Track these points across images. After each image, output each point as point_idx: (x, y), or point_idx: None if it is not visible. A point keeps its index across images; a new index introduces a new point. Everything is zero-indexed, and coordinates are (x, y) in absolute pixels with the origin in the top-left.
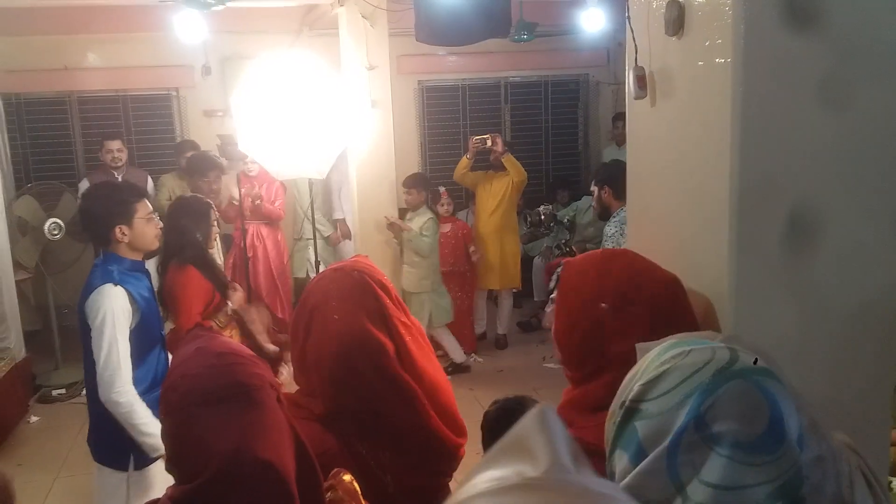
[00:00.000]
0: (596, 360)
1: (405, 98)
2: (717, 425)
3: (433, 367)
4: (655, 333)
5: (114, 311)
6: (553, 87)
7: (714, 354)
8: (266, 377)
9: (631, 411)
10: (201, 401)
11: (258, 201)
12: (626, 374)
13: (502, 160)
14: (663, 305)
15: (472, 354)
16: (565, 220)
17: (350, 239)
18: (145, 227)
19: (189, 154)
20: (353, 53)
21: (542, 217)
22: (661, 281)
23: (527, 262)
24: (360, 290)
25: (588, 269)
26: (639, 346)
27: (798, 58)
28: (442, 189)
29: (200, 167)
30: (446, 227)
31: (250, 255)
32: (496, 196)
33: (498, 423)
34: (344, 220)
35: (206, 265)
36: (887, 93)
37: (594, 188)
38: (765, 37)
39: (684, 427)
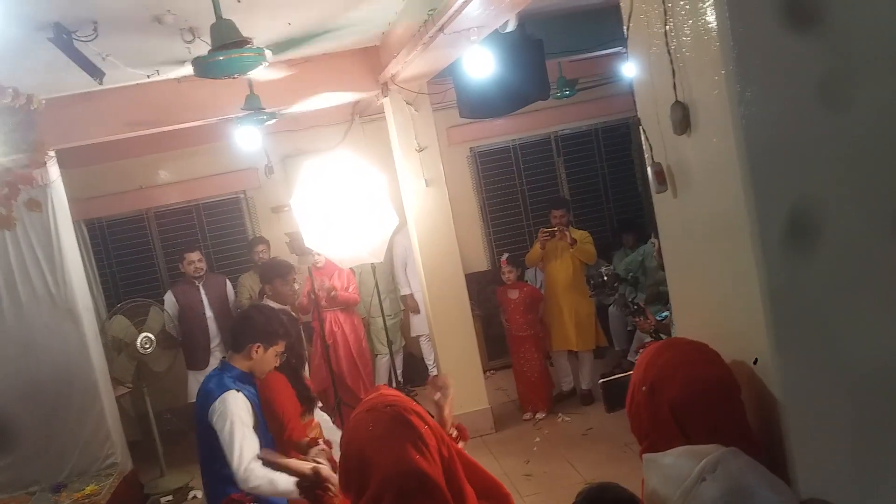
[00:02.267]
0: (645, 441)
1: (459, 167)
2: None
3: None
4: (678, 423)
5: (240, 414)
6: (604, 134)
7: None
8: None
9: None
10: None
11: (333, 293)
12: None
13: (572, 251)
14: (687, 399)
15: (559, 414)
16: (629, 277)
17: (418, 313)
18: (272, 360)
19: (261, 261)
20: (401, 138)
21: (605, 279)
22: (697, 376)
23: (602, 311)
24: (400, 425)
25: (647, 353)
26: (646, 457)
27: (801, 149)
28: (503, 257)
29: (279, 270)
30: (514, 294)
31: (330, 342)
32: (565, 259)
33: None
34: (411, 294)
35: (297, 376)
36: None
37: (654, 239)
38: (763, 130)
39: None
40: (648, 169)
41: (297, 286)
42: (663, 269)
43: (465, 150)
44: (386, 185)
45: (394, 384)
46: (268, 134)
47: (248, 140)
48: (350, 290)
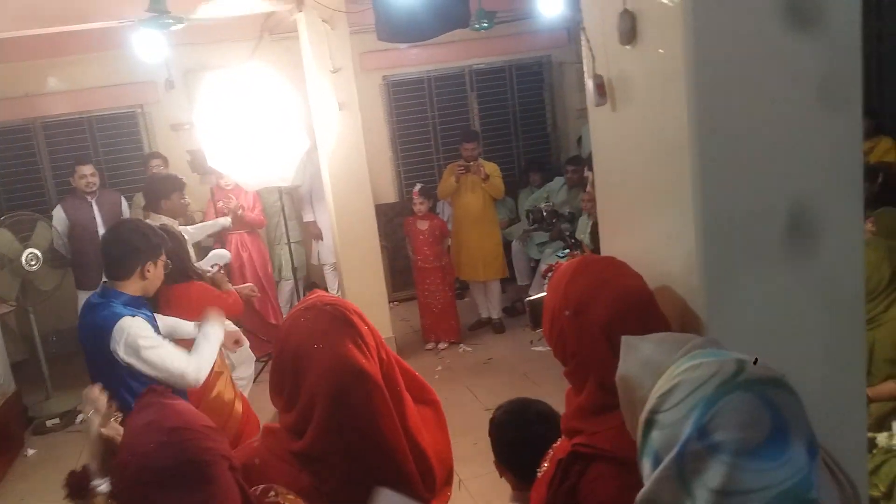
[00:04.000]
0: (571, 362)
1: (371, 95)
2: (718, 434)
3: (421, 395)
4: (610, 342)
5: (146, 335)
6: (517, 71)
7: (720, 367)
8: (218, 449)
9: (649, 422)
10: (153, 480)
11: (240, 211)
12: (609, 377)
13: (483, 185)
14: (617, 317)
15: (461, 345)
16: (566, 213)
17: (321, 240)
18: (161, 273)
19: (149, 175)
20: (314, 57)
21: (545, 213)
22: (621, 292)
23: (507, 247)
24: (340, 323)
25: (562, 276)
26: (624, 339)
27: (749, 64)
28: (416, 188)
29: (162, 190)
30: (423, 225)
31: (237, 265)
32: (476, 192)
33: (505, 428)
34: (314, 222)
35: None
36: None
37: (589, 173)
38: (715, 45)
39: (689, 437)
40: (588, 81)
41: (186, 202)
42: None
43: (378, 77)
44: (298, 106)
45: None
46: (170, 46)
47: (150, 48)
48: (256, 212)
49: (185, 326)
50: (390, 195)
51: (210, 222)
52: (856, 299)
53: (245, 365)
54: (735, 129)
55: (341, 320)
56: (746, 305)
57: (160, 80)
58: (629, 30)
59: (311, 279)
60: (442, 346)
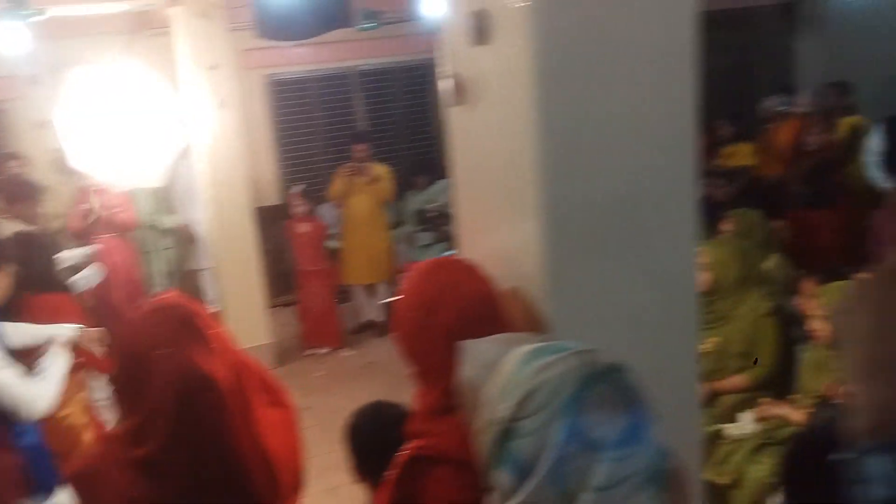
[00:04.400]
0: (417, 364)
1: (253, 94)
2: (591, 433)
3: (274, 399)
4: (455, 346)
5: None
6: (404, 73)
7: (572, 364)
8: None
9: (506, 431)
10: None
11: (106, 212)
12: (453, 380)
13: (372, 188)
14: (462, 321)
15: (342, 350)
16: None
17: (192, 244)
18: (5, 285)
19: (3, 178)
20: (190, 54)
21: (431, 215)
22: (468, 296)
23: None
24: (186, 327)
25: (412, 278)
26: (465, 343)
27: (591, 63)
28: (293, 190)
29: (16, 195)
30: (303, 228)
31: (108, 269)
32: (366, 194)
33: (360, 433)
34: (187, 225)
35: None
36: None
37: None
38: (560, 46)
39: (562, 441)
40: (446, 80)
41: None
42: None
43: (261, 76)
44: (174, 104)
45: None
46: (37, 39)
47: (11, 41)
48: (124, 214)
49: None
50: (273, 197)
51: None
52: (688, 292)
53: None
54: (576, 129)
55: (187, 324)
56: (588, 300)
57: (23, 75)
58: (482, 29)
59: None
60: (323, 351)
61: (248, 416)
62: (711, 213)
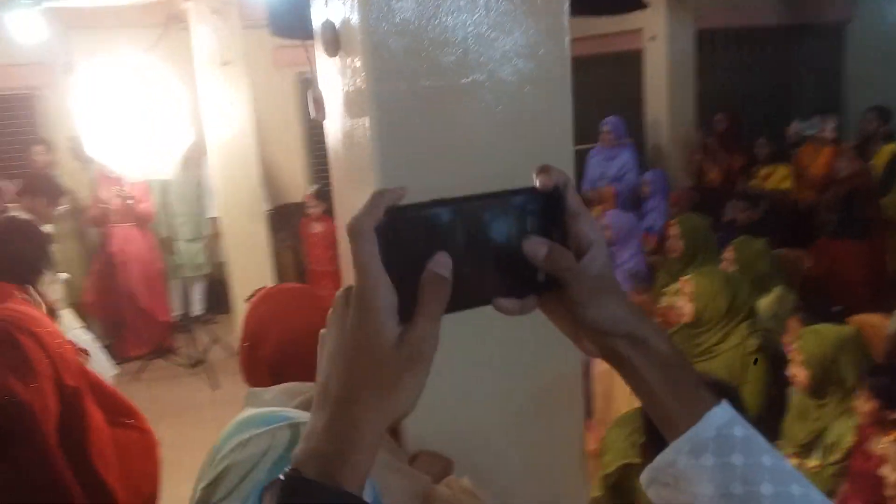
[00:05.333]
0: None
1: (284, 92)
2: None
3: (124, 420)
4: (276, 382)
5: None
6: None
7: (273, 439)
8: None
9: None
10: None
11: (130, 201)
12: None
13: None
14: (283, 356)
15: None
16: None
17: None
18: None
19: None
20: (205, 50)
21: None
22: (292, 330)
23: None
24: (4, 346)
25: (250, 304)
26: (249, 390)
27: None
28: (309, 190)
29: (40, 189)
30: (317, 227)
31: (121, 259)
32: None
33: None
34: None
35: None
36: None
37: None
38: (390, 57)
39: None
40: (308, 94)
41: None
42: None
43: (293, 74)
44: (186, 99)
45: (188, 310)
46: (70, 29)
47: (26, 29)
48: (145, 204)
49: None
50: (300, 194)
51: None
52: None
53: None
54: (416, 146)
55: (6, 343)
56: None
57: (56, 63)
58: (329, 41)
59: (216, 276)
60: None
61: (85, 439)
62: (731, 238)
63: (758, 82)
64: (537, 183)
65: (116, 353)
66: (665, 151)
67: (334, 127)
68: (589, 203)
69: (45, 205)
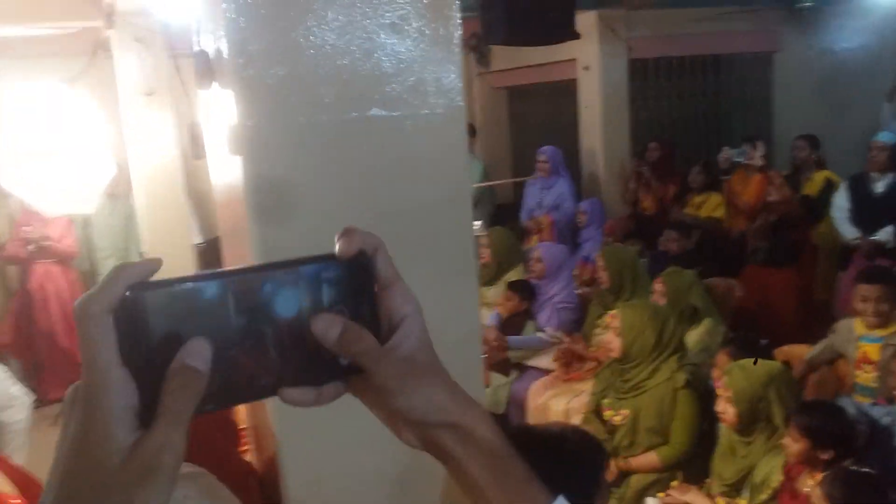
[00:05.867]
0: None
1: None
2: None
3: None
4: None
5: None
6: None
7: None
8: None
9: None
10: None
11: (47, 242)
12: None
13: None
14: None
15: None
16: None
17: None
18: None
19: None
20: (127, 78)
21: None
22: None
23: None
24: None
25: None
26: None
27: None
28: None
29: None
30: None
31: (40, 296)
32: None
33: None
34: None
35: None
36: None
37: None
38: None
39: None
40: (183, 130)
41: None
42: None
43: None
44: (110, 130)
45: None
46: None
47: None
48: (66, 242)
49: None
50: None
51: None
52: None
53: (15, 409)
54: (293, 188)
55: None
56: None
57: None
58: (202, 72)
59: None
60: None
61: None
62: (664, 269)
63: (690, 111)
64: (337, 248)
65: (36, 396)
66: (601, 180)
67: (213, 166)
68: (527, 232)
69: None
